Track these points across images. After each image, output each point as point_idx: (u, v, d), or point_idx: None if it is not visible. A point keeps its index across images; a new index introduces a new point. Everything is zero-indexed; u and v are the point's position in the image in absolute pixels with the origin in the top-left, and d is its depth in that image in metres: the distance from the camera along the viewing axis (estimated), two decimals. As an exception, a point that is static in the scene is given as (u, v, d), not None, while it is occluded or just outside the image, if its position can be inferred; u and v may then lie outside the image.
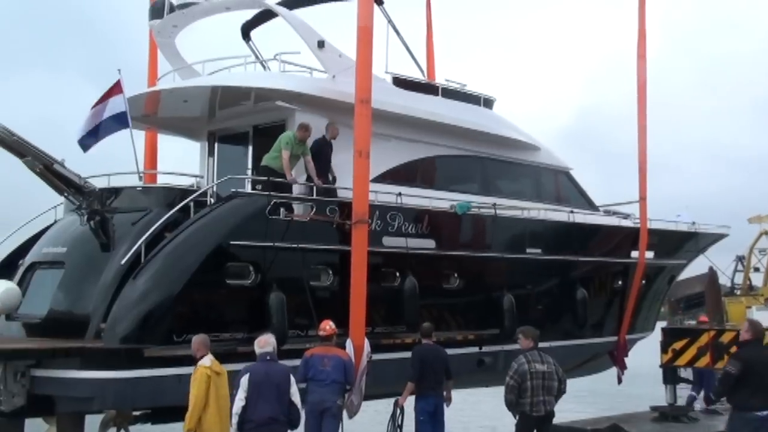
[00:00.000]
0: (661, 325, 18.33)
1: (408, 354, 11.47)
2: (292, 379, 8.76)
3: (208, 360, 8.81)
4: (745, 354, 9.27)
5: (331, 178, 12.57)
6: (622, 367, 17.25)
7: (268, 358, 8.75)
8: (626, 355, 17.24)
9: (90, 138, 12.39)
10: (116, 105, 12.10)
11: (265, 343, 8.85)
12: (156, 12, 14.00)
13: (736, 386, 9.10)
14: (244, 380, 8.48)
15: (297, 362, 10.18)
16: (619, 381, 17.42)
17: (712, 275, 30.35)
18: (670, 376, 16.05)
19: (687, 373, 17.17)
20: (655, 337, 17.77)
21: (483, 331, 13.75)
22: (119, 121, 12.18)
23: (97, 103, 12.42)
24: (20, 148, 10.53)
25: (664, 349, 15.75)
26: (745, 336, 9.52)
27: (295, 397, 8.69)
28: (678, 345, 15.42)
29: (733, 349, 12.23)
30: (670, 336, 15.96)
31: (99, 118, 12.29)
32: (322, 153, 12.47)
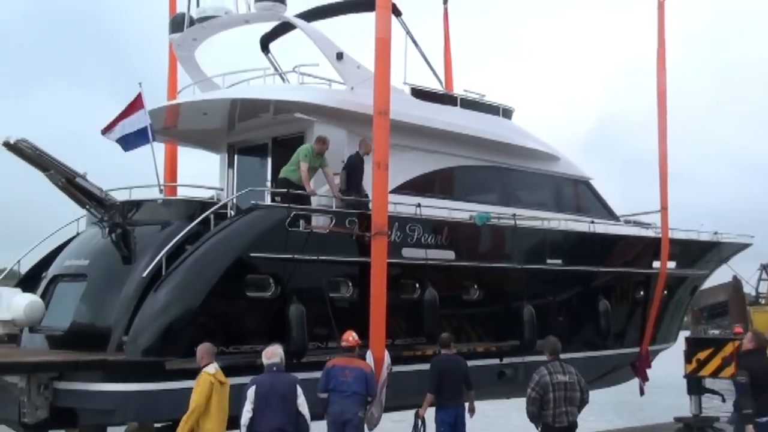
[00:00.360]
0: (684, 334, 18.15)
1: (428, 366, 11.42)
2: (299, 389, 8.71)
3: (212, 368, 8.80)
4: (748, 363, 9.74)
5: (363, 194, 12.55)
6: (644, 378, 17.06)
7: (274, 369, 8.73)
8: (649, 366, 17.05)
9: (122, 142, 12.51)
10: (138, 120, 12.20)
11: (272, 354, 8.84)
12: (176, 26, 14.14)
13: None
14: (251, 392, 8.50)
15: (316, 374, 10.16)
16: (642, 392, 17.24)
17: (736, 284, 30.04)
18: (695, 386, 15.88)
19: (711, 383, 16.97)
20: (678, 348, 17.60)
21: (503, 343, 13.68)
22: (141, 136, 12.27)
23: (119, 117, 12.49)
24: (43, 162, 10.63)
25: (688, 359, 15.62)
26: (747, 345, 10.05)
27: (303, 407, 8.64)
28: (702, 355, 15.30)
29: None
30: (694, 346, 15.85)
31: (123, 130, 12.39)
32: (356, 169, 12.46)
